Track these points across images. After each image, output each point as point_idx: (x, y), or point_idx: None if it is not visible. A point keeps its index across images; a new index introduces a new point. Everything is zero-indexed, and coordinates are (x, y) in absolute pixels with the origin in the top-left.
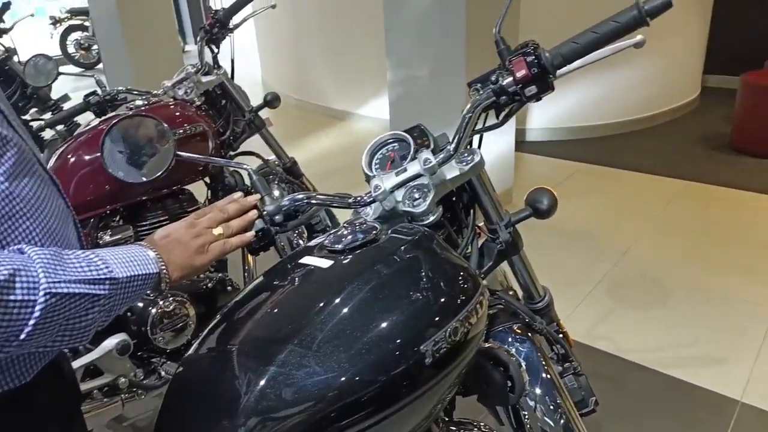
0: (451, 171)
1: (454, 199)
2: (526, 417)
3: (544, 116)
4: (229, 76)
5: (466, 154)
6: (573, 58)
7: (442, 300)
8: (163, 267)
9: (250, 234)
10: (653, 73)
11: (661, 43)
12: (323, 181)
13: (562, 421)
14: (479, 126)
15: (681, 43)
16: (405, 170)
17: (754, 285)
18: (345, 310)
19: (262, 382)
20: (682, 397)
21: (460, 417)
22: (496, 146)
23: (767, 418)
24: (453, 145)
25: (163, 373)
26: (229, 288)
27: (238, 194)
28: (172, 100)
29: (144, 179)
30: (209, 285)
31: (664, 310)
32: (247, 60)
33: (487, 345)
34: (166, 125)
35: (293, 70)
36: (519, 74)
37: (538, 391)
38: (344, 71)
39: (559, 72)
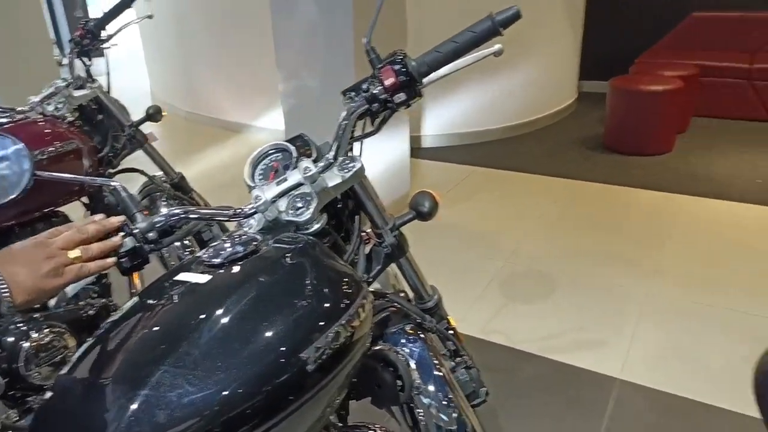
0: (333, 179)
1: (339, 206)
2: (421, 414)
3: (437, 123)
4: (105, 89)
5: (347, 162)
6: (437, 66)
7: (323, 306)
8: (5, 289)
9: (111, 260)
10: (534, 80)
11: (540, 53)
12: (218, 195)
13: (454, 415)
14: (359, 134)
15: (557, 53)
16: (285, 179)
17: (628, 272)
18: (223, 324)
19: (134, 407)
20: (567, 379)
21: (355, 421)
22: (391, 153)
23: (643, 392)
24: (332, 153)
25: None
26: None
27: (100, 215)
28: (40, 116)
29: None
30: (90, 312)
31: (551, 301)
32: (134, 71)
33: (377, 347)
34: (21, 143)
35: (183, 82)
36: (387, 82)
37: (431, 388)
38: (237, 82)
39: (426, 79)
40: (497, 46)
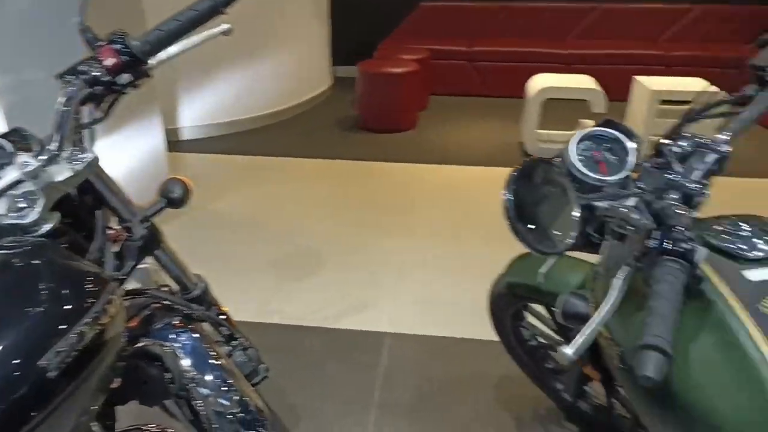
0: (62, 172)
1: (77, 203)
2: (200, 405)
3: (194, 115)
4: None
5: (77, 153)
6: (162, 44)
7: (61, 308)
8: None
9: None
10: (289, 67)
11: (292, 42)
12: None
13: (235, 398)
14: (86, 121)
15: (308, 41)
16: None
17: (387, 237)
18: None
19: None
20: (345, 343)
21: (126, 426)
22: (144, 148)
23: (408, 339)
24: (55, 145)
25: None
26: None
27: None
28: None
29: None
30: None
31: (322, 274)
32: None
33: (140, 345)
34: None
35: None
36: (108, 63)
37: (208, 377)
38: None
39: (156, 59)
40: (225, 26)
